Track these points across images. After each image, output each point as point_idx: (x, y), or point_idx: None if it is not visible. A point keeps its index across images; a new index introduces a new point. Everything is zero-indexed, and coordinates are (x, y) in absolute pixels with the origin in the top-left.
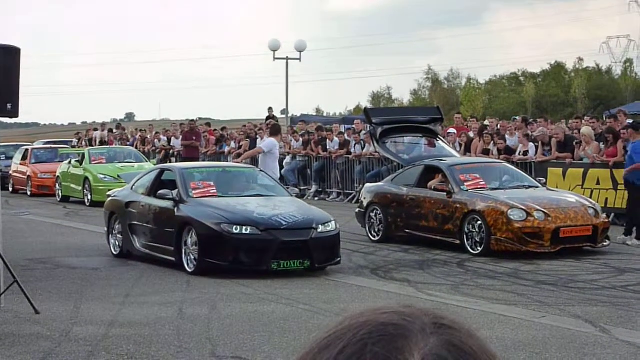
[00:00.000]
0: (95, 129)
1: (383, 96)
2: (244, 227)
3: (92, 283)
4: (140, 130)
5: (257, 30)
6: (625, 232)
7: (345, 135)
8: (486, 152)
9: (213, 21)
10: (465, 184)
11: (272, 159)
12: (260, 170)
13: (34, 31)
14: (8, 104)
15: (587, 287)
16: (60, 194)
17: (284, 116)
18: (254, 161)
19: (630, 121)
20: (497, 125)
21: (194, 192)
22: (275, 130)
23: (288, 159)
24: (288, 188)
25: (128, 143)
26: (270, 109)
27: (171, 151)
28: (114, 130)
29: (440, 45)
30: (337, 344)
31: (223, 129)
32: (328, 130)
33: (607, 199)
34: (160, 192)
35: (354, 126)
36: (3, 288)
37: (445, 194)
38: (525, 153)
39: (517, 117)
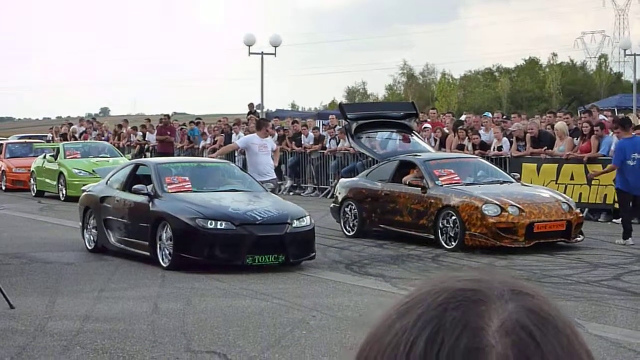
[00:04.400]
0: (70, 124)
1: (358, 91)
2: (219, 222)
3: (67, 278)
4: (117, 125)
5: (232, 25)
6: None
7: (320, 130)
8: (461, 148)
9: (187, 16)
10: (440, 179)
11: (250, 155)
12: (241, 168)
13: (7, 26)
14: None
15: (561, 282)
16: (34, 188)
17: (259, 111)
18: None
19: (602, 117)
20: (472, 121)
21: (168, 187)
22: (257, 125)
23: None
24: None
25: (103, 138)
26: (251, 104)
27: (146, 146)
28: (91, 123)
29: (415, 41)
30: (415, 310)
31: (198, 123)
32: (303, 125)
33: (580, 193)
34: (135, 187)
35: (328, 121)
36: None
37: (419, 189)
38: (500, 148)
39: (488, 113)
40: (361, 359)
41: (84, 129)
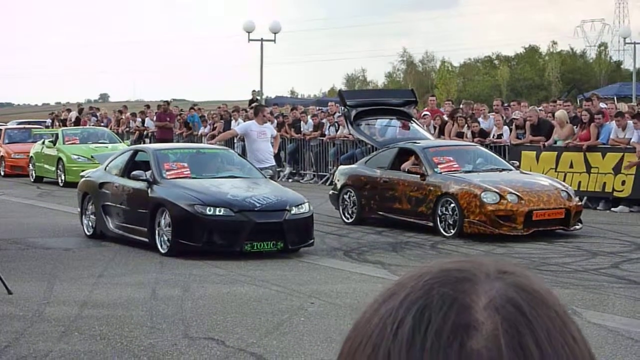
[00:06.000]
0: (69, 110)
1: (358, 78)
2: (218, 209)
3: (65, 264)
4: (118, 111)
5: (232, 11)
6: None
7: (319, 117)
8: (460, 135)
9: (187, 1)
10: (439, 166)
11: (249, 142)
12: (239, 155)
13: (7, 13)
14: None
15: (559, 270)
16: (33, 174)
17: (259, 98)
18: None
19: (603, 105)
20: (470, 109)
21: (167, 173)
22: (254, 112)
23: None
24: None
25: (102, 124)
26: (253, 91)
27: (145, 132)
28: (91, 109)
29: (415, 28)
30: (401, 292)
31: (192, 107)
32: (302, 112)
33: (580, 182)
34: (133, 173)
35: (327, 108)
36: None
37: (418, 176)
38: (500, 136)
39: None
40: (348, 346)
41: (76, 114)
